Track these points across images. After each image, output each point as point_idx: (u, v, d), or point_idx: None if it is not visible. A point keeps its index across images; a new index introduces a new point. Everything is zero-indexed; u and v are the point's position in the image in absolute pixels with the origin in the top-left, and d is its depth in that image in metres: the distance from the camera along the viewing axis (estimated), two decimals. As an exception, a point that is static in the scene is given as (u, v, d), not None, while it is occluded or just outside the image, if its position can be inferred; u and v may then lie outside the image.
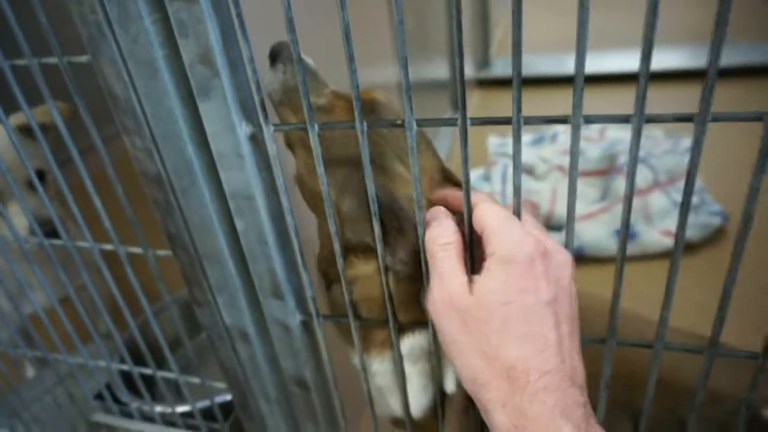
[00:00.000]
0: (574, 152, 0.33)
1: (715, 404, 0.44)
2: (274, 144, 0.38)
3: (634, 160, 0.32)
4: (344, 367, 0.54)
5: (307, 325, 0.48)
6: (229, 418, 0.66)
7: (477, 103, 2.90)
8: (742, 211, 0.32)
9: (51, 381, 0.75)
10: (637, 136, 0.31)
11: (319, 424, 0.54)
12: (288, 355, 0.49)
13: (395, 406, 0.51)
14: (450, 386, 0.48)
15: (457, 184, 0.48)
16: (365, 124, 0.35)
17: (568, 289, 0.37)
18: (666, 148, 1.90)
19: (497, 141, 2.21)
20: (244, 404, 0.57)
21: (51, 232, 0.57)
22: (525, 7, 0.30)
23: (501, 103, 2.73)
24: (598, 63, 2.65)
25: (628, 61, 2.41)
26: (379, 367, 0.50)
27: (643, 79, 0.30)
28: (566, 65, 2.86)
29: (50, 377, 0.75)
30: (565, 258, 0.37)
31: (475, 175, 1.98)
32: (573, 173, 0.34)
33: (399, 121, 0.34)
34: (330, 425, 0.55)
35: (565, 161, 1.98)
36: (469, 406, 0.48)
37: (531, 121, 0.33)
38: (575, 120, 0.32)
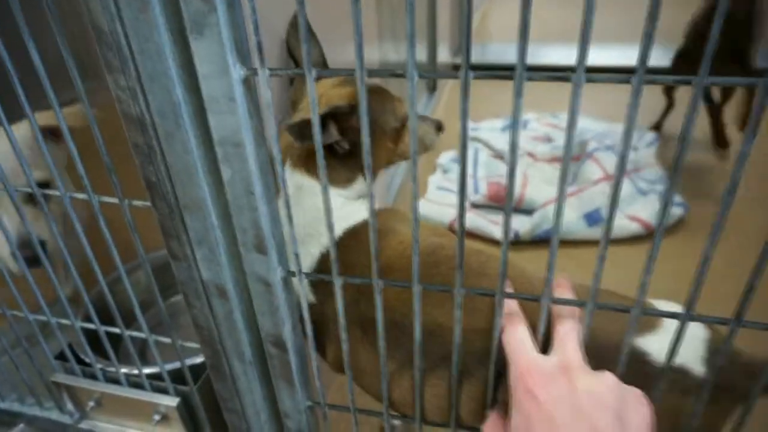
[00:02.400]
0: (574, 111, 0.33)
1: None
2: (269, 89, 0.37)
3: (631, 120, 0.32)
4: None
5: (287, 282, 0.47)
6: (199, 380, 0.65)
7: (453, 88, 2.91)
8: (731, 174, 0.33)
9: (8, 342, 0.71)
10: (636, 95, 0.32)
11: (294, 386, 0.54)
12: (266, 313, 0.49)
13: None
14: None
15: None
16: (365, 70, 0.34)
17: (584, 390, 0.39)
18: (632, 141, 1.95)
19: (470, 125, 2.22)
20: (217, 364, 0.56)
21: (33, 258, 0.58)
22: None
23: (476, 89, 2.74)
24: (570, 56, 2.70)
25: (605, 56, 2.47)
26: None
27: (647, 39, 0.30)
28: (543, 55, 2.90)
29: (7, 338, 0.72)
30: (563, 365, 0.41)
31: (447, 157, 1.99)
32: (571, 131, 0.34)
33: (400, 72, 0.34)
34: (305, 387, 0.55)
35: (535, 148, 2.01)
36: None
37: (534, 77, 0.33)
38: (577, 78, 0.32)
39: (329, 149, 0.66)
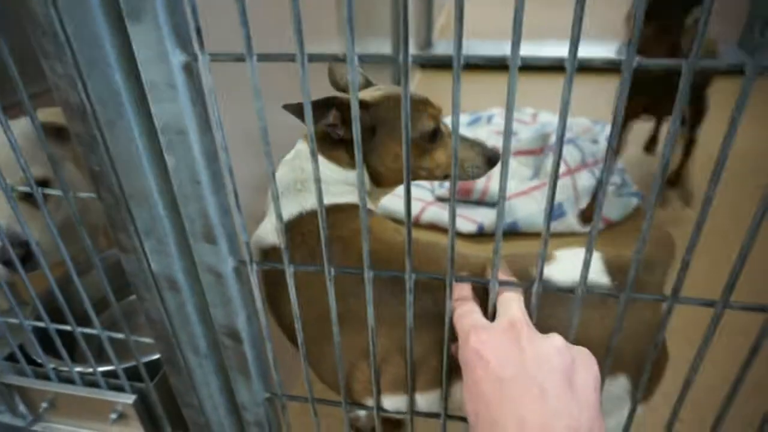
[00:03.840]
0: (511, 94, 0.34)
1: None
2: (210, 75, 0.36)
3: (566, 104, 0.33)
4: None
5: (239, 272, 0.47)
6: (156, 376, 0.64)
7: (418, 83, 2.92)
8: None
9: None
10: (569, 81, 0.33)
11: (250, 378, 0.54)
12: (219, 304, 0.48)
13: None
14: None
15: None
16: (306, 55, 0.34)
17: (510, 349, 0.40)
18: (592, 134, 2.00)
19: (436, 120, 2.24)
20: (172, 359, 0.55)
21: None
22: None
23: (442, 84, 2.76)
24: (534, 52, 2.74)
25: (562, 52, 2.50)
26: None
27: (577, 26, 0.31)
28: (506, 51, 2.93)
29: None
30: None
31: (413, 152, 2.00)
32: (509, 114, 0.34)
33: (341, 55, 0.34)
34: (262, 379, 0.55)
35: (500, 142, 2.04)
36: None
37: (471, 59, 0.33)
38: (513, 60, 0.33)
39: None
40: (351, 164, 0.77)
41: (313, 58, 0.34)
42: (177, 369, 0.56)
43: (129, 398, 0.63)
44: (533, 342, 0.39)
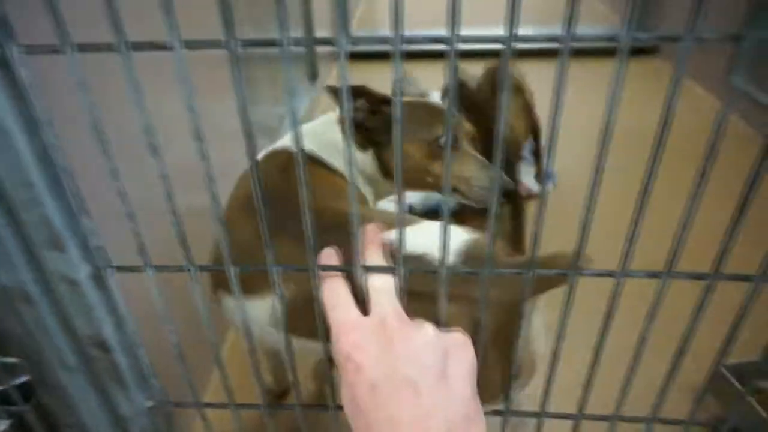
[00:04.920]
0: (454, 76, 0.33)
1: None
2: (26, 69, 0.33)
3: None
4: (152, 321, 0.52)
5: (98, 278, 0.44)
6: (32, 398, 0.59)
7: (337, 74, 2.90)
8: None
9: None
10: (506, 58, 0.32)
11: (127, 388, 0.51)
12: (80, 314, 0.45)
13: None
14: None
15: None
16: (128, 43, 0.32)
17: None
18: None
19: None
20: (42, 377, 0.51)
21: None
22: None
23: (360, 75, 2.75)
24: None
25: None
26: None
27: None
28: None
29: None
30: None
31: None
32: (453, 90, 0.34)
33: (167, 43, 0.32)
34: (142, 387, 0.52)
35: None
36: None
37: (358, 41, 0.33)
38: (452, 41, 0.32)
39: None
40: (362, 146, 0.92)
41: (137, 46, 0.33)
42: (49, 387, 0.52)
43: (2, 424, 0.59)
44: (404, 339, 0.38)
